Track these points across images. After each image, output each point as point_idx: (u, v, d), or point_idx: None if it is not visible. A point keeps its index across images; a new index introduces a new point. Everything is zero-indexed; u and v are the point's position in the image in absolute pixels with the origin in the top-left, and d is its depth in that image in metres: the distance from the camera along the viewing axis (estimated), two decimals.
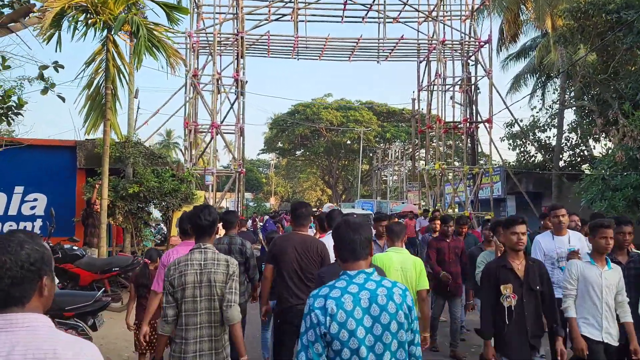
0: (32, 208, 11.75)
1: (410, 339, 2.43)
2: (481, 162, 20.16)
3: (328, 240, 4.74)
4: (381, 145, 45.71)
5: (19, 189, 11.69)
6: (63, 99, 6.66)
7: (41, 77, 6.65)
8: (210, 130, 16.89)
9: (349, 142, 46.13)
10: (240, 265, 4.98)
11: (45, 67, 6.56)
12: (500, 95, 20.81)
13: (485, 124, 18.99)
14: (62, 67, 6.72)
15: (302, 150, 50.31)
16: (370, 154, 48.04)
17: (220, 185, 23.16)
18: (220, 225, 4.79)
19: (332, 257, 4.71)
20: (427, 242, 8.53)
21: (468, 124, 18.15)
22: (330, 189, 53.99)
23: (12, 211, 11.63)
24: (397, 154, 45.11)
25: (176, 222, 8.15)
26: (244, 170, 17.85)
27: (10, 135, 13.50)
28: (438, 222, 8.38)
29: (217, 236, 6.17)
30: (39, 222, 11.78)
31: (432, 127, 18.67)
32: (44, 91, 6.58)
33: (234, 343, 3.51)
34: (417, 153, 27.04)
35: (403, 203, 35.04)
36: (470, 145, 19.43)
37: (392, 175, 48.46)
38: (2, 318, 1.55)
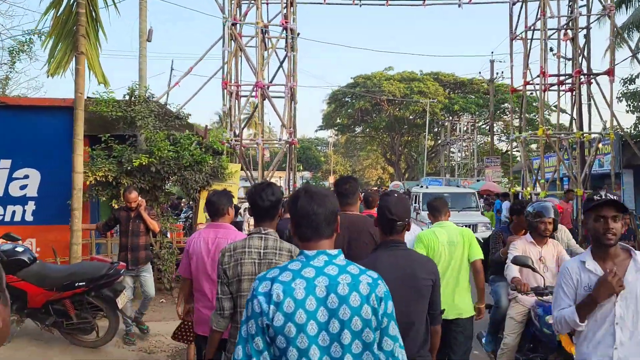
0: (23, 187, 9.19)
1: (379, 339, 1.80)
2: (602, 125, 16.00)
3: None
4: (448, 118, 41.94)
5: (5, 163, 9.11)
6: None
7: None
8: (254, 93, 13.70)
9: (411, 116, 42.62)
10: None
11: None
12: (626, 39, 16.51)
13: (595, 78, 14.87)
14: None
15: (362, 127, 47.87)
16: (436, 129, 44.48)
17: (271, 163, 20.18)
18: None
19: None
20: None
21: (580, 77, 14.10)
22: (392, 166, 50.94)
23: None
24: (465, 127, 41.60)
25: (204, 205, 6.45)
26: (296, 140, 14.53)
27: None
28: None
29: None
30: (31, 206, 9.23)
31: (529, 83, 14.74)
32: None
33: None
34: (506, 122, 22.88)
35: (478, 181, 31.11)
36: (577, 106, 15.39)
37: (460, 151, 44.52)
38: None
